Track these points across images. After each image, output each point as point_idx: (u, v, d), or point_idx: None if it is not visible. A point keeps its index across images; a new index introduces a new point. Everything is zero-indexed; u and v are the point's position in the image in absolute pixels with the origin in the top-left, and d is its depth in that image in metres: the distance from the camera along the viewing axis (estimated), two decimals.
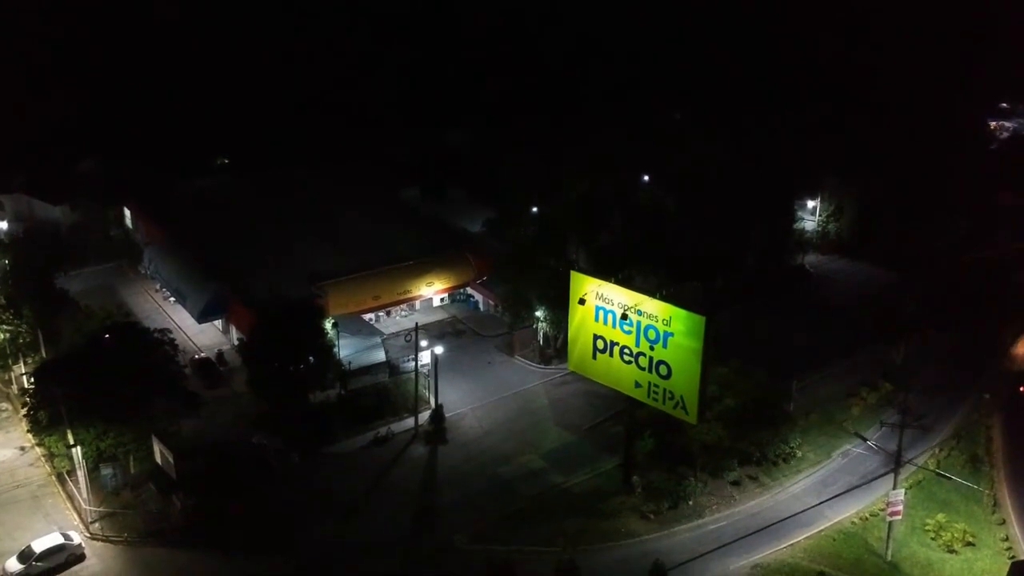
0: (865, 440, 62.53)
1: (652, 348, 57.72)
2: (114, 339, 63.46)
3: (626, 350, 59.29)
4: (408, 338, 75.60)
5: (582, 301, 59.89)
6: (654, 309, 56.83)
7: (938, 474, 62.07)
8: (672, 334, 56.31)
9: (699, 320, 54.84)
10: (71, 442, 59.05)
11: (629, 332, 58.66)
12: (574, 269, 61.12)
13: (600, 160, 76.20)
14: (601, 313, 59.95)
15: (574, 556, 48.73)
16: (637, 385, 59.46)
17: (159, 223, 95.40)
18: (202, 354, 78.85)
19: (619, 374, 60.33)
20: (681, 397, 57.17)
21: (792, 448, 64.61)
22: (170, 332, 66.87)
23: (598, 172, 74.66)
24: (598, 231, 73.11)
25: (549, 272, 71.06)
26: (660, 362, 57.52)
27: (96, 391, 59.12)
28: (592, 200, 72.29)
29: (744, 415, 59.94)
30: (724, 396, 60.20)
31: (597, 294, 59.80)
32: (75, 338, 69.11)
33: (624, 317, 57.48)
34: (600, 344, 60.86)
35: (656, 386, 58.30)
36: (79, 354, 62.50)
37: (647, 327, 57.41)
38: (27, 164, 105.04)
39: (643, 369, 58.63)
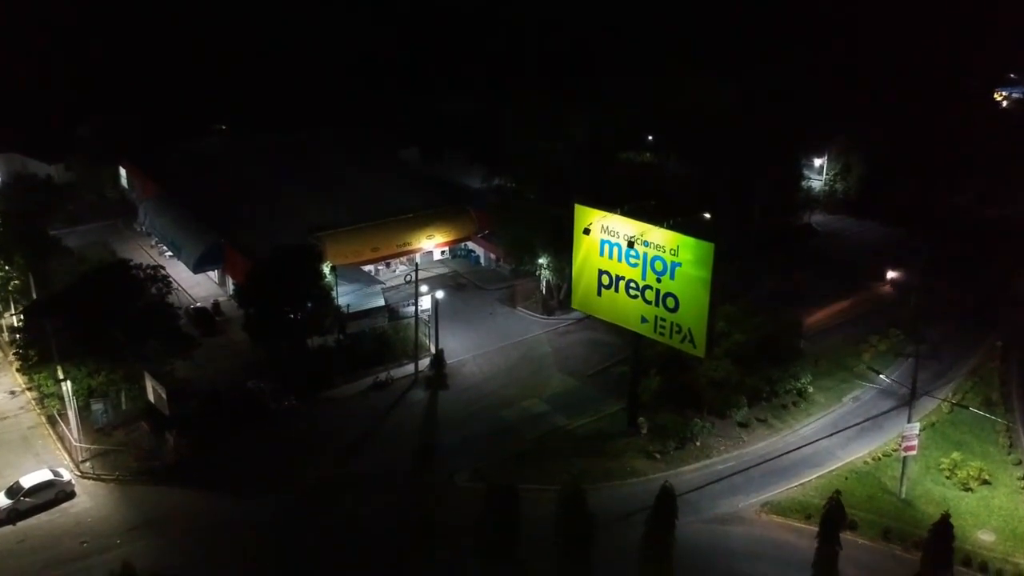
0: (878, 373, 60.86)
1: (659, 280, 56.03)
2: (107, 278, 61.74)
3: (632, 284, 57.61)
4: (408, 279, 74.03)
5: (587, 231, 58.16)
6: (661, 239, 55.14)
7: (957, 405, 60.37)
8: (680, 264, 54.61)
9: (708, 247, 53.13)
10: (60, 377, 57.37)
11: (635, 265, 56.99)
12: (578, 203, 59.28)
13: (604, 107, 74.31)
14: (606, 247, 58.24)
15: (579, 482, 47.15)
16: (643, 320, 57.78)
17: (155, 180, 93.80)
18: (198, 304, 77.31)
19: (625, 309, 58.64)
20: (689, 330, 55.46)
21: (803, 385, 62.81)
22: (163, 268, 65.24)
23: (602, 117, 72.79)
24: (603, 172, 71.26)
25: (551, 215, 69.15)
26: (667, 294, 55.82)
27: (88, 329, 57.60)
28: (597, 140, 70.43)
29: (754, 351, 58.18)
30: (732, 332, 58.53)
31: (602, 227, 58.07)
32: (67, 281, 67.44)
33: (631, 245, 55.73)
34: (605, 280, 59.15)
35: (663, 320, 56.60)
36: (71, 292, 60.85)
37: (654, 258, 55.73)
38: (24, 124, 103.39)
39: (649, 303, 56.93)
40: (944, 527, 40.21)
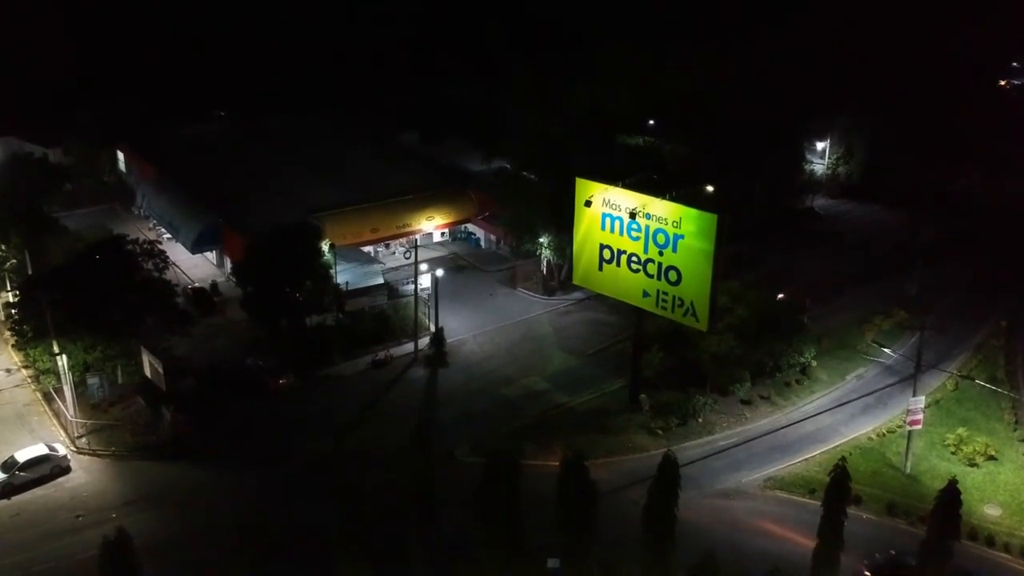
0: (883, 347, 60.22)
1: (661, 253, 55.38)
2: (103, 254, 61.08)
3: (634, 258, 56.95)
4: (407, 253, 73.45)
5: (588, 203, 57.49)
6: (663, 211, 54.48)
7: (964, 377, 60.29)
8: (682, 236, 53.95)
9: (711, 218, 52.48)
10: (56, 351, 56.73)
11: (637, 238, 56.33)
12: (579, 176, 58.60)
13: (603, 82, 73.49)
14: (608, 220, 57.60)
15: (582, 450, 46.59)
16: (645, 294, 57.14)
17: (153, 163, 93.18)
18: (196, 284, 76.71)
19: (626, 284, 57.99)
20: (691, 303, 54.80)
21: (807, 359, 62.13)
22: (159, 243, 64.61)
23: (601, 91, 71.99)
24: (604, 148, 70.59)
25: (552, 193, 68.44)
26: (670, 267, 55.17)
27: (83, 304, 56.96)
28: (597, 115, 69.61)
29: (756, 326, 57.52)
30: (735, 307, 57.88)
31: (604, 200, 57.42)
32: (64, 259, 66.83)
33: (633, 216, 55.08)
34: (607, 254, 58.51)
35: (665, 294, 55.94)
36: (66, 267, 60.22)
37: (656, 231, 55.07)
38: (21, 108, 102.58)
39: (651, 277, 56.28)
40: (951, 494, 39.57)
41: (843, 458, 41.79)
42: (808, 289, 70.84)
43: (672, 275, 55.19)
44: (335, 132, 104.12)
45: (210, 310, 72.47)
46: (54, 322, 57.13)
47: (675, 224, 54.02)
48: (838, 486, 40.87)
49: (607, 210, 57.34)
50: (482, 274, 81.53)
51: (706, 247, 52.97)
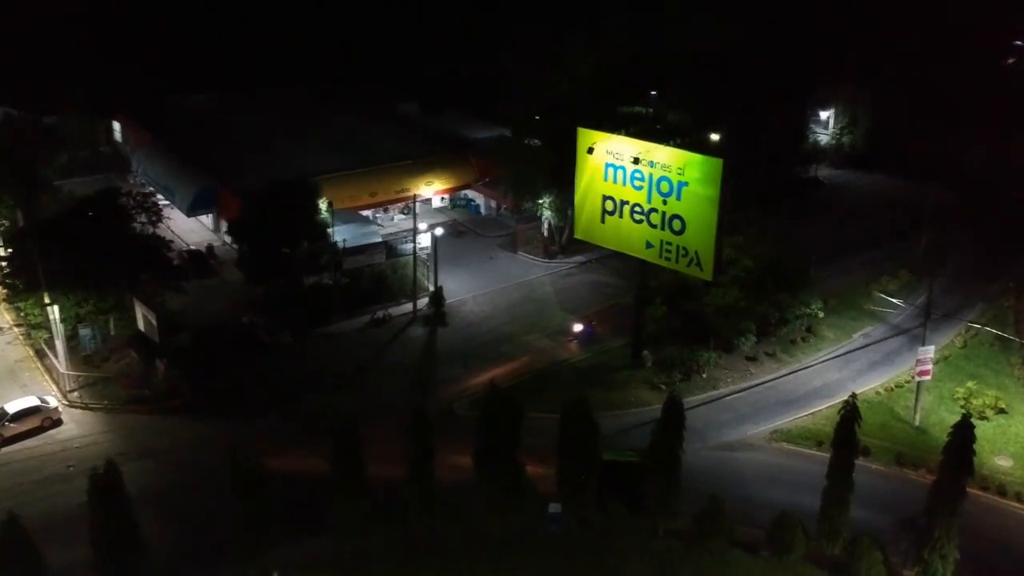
0: (891, 299, 59.13)
1: (665, 202, 54.31)
2: (96, 206, 59.90)
3: (637, 208, 55.85)
4: (406, 210, 72.36)
5: (591, 150, 56.35)
6: (667, 158, 53.42)
7: (974, 324, 59.93)
8: (687, 183, 52.88)
9: (716, 163, 51.48)
10: (47, 301, 55.56)
11: (640, 188, 55.24)
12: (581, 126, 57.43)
13: (604, 43, 72.31)
14: (611, 171, 56.50)
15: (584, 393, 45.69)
16: (649, 245, 56.05)
17: (150, 131, 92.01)
18: (192, 247, 75.63)
19: (629, 235, 56.89)
20: (696, 253, 53.74)
21: (814, 310, 60.89)
22: (154, 195, 63.47)
23: (602, 52, 70.81)
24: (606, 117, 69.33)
25: (553, 151, 67.23)
26: (674, 216, 54.09)
27: (76, 256, 55.83)
28: (597, 76, 68.39)
29: (762, 277, 56.39)
30: (740, 259, 56.74)
31: (606, 150, 56.34)
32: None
33: (636, 163, 53.92)
34: (609, 205, 57.41)
35: (669, 244, 54.87)
36: (59, 218, 59.09)
37: (660, 179, 53.98)
38: (15, 76, 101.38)
39: (655, 226, 55.20)
40: (965, 428, 38.45)
41: (853, 394, 40.59)
42: (812, 251, 69.78)
43: (676, 224, 54.11)
44: (333, 103, 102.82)
45: (205, 272, 71.38)
46: (46, 274, 55.93)
47: (679, 171, 52.96)
48: (848, 424, 39.73)
49: (610, 159, 56.24)
50: (482, 239, 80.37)
51: (711, 193, 51.92)
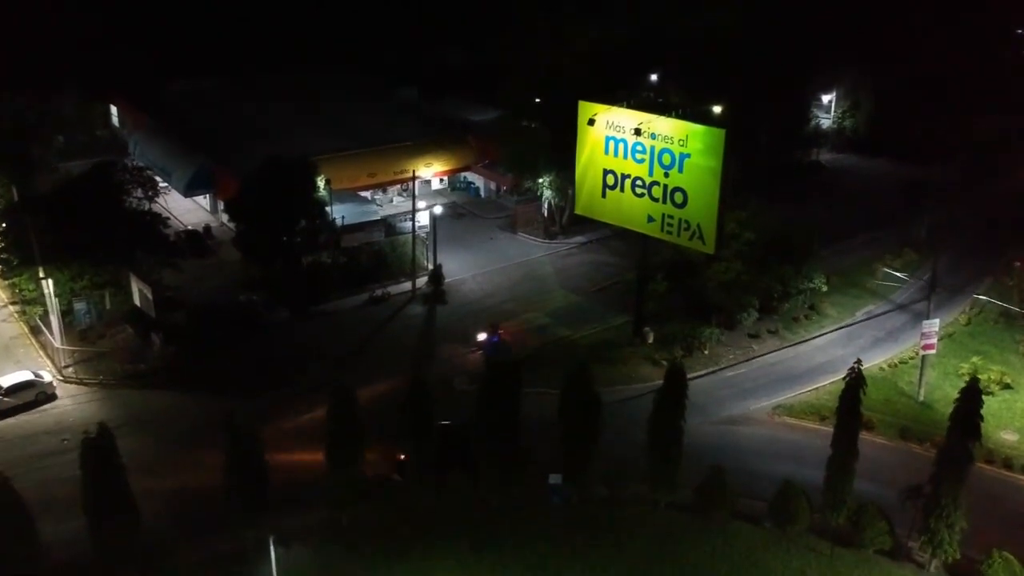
0: (893, 272, 58.59)
1: (667, 175, 53.71)
2: (92, 180, 59.27)
3: (638, 181, 55.26)
4: (405, 189, 71.71)
5: (591, 121, 55.70)
6: (669, 129, 52.81)
7: (981, 296, 59.93)
8: (689, 155, 52.29)
9: (718, 134, 50.92)
10: (42, 275, 54.93)
11: (642, 161, 54.64)
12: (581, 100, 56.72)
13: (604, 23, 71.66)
14: (611, 144, 55.88)
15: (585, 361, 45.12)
16: (650, 219, 55.48)
17: (147, 113, 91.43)
18: (189, 227, 75.03)
19: (631, 210, 56.30)
20: (698, 225, 53.17)
21: (817, 285, 60.17)
22: (148, 170, 62.84)
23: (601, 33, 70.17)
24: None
25: (553, 129, 66.51)
26: (675, 189, 53.51)
27: (72, 229, 55.26)
28: (598, 55, 67.68)
29: (764, 250, 55.76)
30: (743, 233, 56.11)
31: (607, 123, 55.71)
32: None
33: (638, 133, 53.26)
34: (610, 179, 56.81)
35: (671, 217, 54.30)
36: (54, 193, 58.48)
37: (661, 151, 53.38)
38: (12, 58, 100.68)
39: (656, 200, 54.62)
40: (972, 393, 37.90)
41: (858, 360, 39.97)
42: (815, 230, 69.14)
43: (678, 197, 53.53)
44: (332, 87, 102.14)
45: (203, 252, 70.81)
46: (41, 248, 55.32)
47: (681, 142, 52.37)
48: (853, 390, 39.14)
49: (611, 132, 55.63)
50: (481, 221, 79.77)
51: (713, 164, 51.36)
